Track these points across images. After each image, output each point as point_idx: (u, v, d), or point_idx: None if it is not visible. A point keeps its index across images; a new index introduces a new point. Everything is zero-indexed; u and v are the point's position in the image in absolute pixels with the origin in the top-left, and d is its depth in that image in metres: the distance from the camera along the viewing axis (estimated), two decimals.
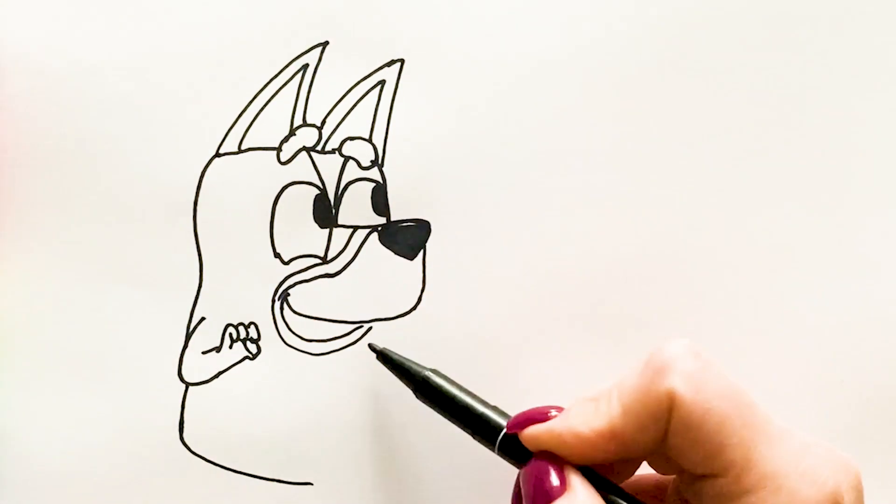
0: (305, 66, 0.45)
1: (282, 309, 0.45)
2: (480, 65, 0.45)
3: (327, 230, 0.45)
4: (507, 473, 0.41)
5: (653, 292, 0.45)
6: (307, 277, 0.45)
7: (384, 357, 0.42)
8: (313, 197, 0.45)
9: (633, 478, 0.39)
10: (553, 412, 0.37)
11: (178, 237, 0.45)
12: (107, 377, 0.44)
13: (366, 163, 0.45)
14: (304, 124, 0.45)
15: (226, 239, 0.45)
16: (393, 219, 0.45)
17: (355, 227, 0.45)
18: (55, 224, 0.44)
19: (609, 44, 0.45)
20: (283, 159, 0.45)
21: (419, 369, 0.41)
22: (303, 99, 0.45)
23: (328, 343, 0.45)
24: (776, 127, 0.45)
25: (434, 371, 0.41)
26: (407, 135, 0.45)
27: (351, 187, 0.45)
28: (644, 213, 0.45)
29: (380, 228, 0.45)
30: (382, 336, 0.45)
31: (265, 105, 0.45)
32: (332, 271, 0.45)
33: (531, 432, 0.37)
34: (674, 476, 0.38)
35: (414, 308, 0.45)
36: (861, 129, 0.45)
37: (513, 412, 0.40)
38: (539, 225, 0.45)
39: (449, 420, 0.40)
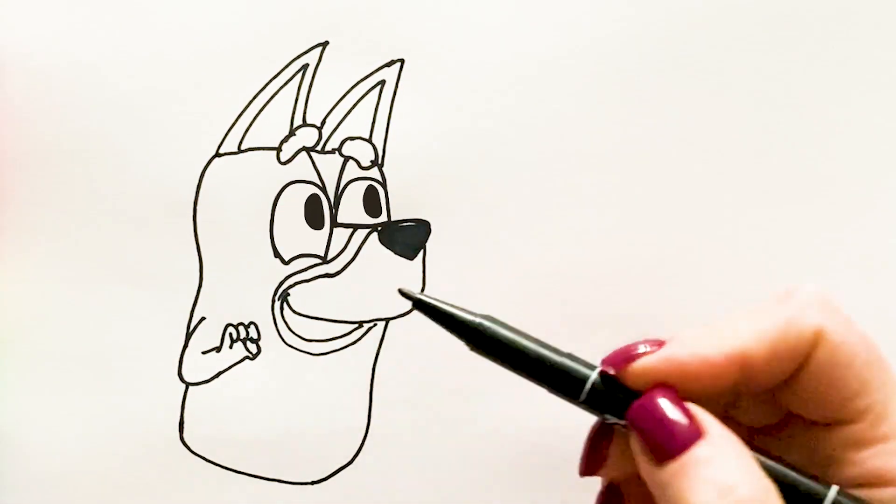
0: (305, 66, 0.45)
1: (282, 309, 0.45)
2: (480, 65, 0.45)
3: (327, 230, 0.45)
4: (507, 473, 0.41)
5: (653, 292, 0.45)
6: (307, 277, 0.45)
7: (423, 305, 0.33)
8: (305, 198, 0.45)
9: None
10: (644, 346, 0.32)
11: (178, 237, 0.45)
12: (107, 377, 0.44)
13: (366, 163, 0.45)
14: (304, 124, 0.45)
15: (226, 239, 0.45)
16: (393, 219, 0.45)
17: (355, 227, 0.45)
18: (55, 224, 0.44)
19: (609, 44, 0.45)
20: (283, 159, 0.45)
21: (470, 317, 0.33)
22: (303, 99, 0.45)
23: (328, 343, 0.45)
24: (775, 128, 0.45)
25: (486, 317, 0.33)
26: (407, 135, 0.45)
27: (350, 187, 0.45)
28: (644, 213, 0.45)
29: (380, 228, 0.45)
30: (382, 336, 0.45)
31: (265, 105, 0.45)
32: (332, 271, 0.45)
33: (645, 364, 0.31)
34: (769, 430, 0.35)
35: (414, 308, 0.45)
36: (861, 130, 0.45)
37: (514, 416, 0.40)
38: (539, 225, 0.45)
39: (515, 372, 0.33)
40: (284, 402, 0.45)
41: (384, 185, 0.45)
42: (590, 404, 0.32)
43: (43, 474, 0.44)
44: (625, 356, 0.32)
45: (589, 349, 0.45)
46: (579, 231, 0.45)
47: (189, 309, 0.45)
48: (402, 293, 0.34)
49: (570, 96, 0.45)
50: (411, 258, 0.45)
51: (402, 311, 0.45)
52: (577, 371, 0.32)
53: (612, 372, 0.32)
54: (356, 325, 0.45)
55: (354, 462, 0.44)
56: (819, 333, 0.31)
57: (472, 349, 0.33)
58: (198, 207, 0.45)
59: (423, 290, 0.45)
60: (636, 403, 0.31)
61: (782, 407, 0.33)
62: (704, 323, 0.32)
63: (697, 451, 0.29)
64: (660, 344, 0.32)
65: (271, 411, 0.44)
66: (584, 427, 0.33)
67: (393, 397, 0.45)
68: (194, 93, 0.45)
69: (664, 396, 0.31)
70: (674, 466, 0.29)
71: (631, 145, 0.45)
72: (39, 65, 0.44)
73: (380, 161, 0.45)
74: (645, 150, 0.45)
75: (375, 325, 0.45)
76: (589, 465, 0.34)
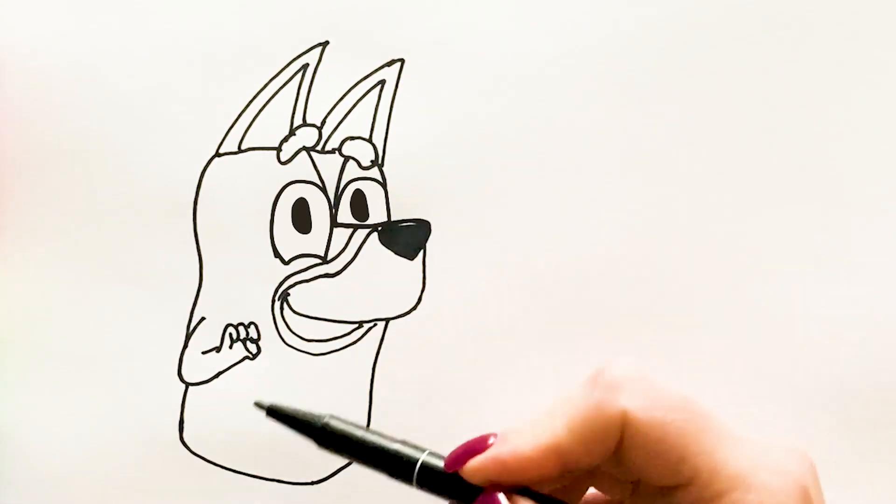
0: (305, 66, 0.45)
1: (282, 309, 0.45)
2: (480, 65, 0.45)
3: (327, 230, 0.45)
4: None
5: (653, 292, 0.45)
6: (307, 277, 0.45)
7: (275, 413, 0.37)
8: (293, 202, 0.45)
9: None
10: (491, 439, 0.35)
11: (178, 237, 0.45)
12: (107, 377, 0.44)
13: (366, 162, 0.45)
14: (304, 124, 0.45)
15: (226, 239, 0.45)
16: (393, 219, 0.45)
17: (355, 227, 0.45)
18: (55, 224, 0.44)
19: (609, 44, 0.45)
20: (283, 159, 0.45)
21: (316, 418, 0.36)
22: (303, 99, 0.45)
23: (328, 343, 0.45)
24: (776, 128, 0.45)
25: (332, 416, 0.35)
26: (407, 135, 0.45)
27: (350, 187, 0.45)
28: (644, 213, 0.45)
29: (380, 228, 0.45)
30: (382, 336, 0.45)
31: (265, 105, 0.45)
32: (332, 271, 0.45)
33: (475, 465, 0.34)
34: (623, 499, 0.38)
35: (414, 308, 0.45)
36: (862, 130, 0.45)
37: (514, 415, 0.39)
38: (539, 225, 0.45)
39: (361, 465, 0.35)
40: (284, 402, 0.44)
41: (384, 185, 0.45)
42: (423, 486, 0.35)
43: (43, 474, 0.44)
44: (460, 455, 0.35)
45: (589, 349, 0.45)
46: (579, 231, 0.45)
47: (189, 309, 0.45)
48: (258, 405, 0.37)
49: (569, 96, 0.45)
50: (411, 258, 0.45)
51: (402, 311, 0.45)
52: (409, 457, 0.35)
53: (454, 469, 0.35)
54: (356, 325, 0.45)
55: (354, 462, 0.44)
56: (624, 416, 0.33)
57: (318, 447, 0.36)
58: (198, 207, 0.45)
59: (423, 290, 0.45)
60: (479, 500, 0.34)
61: (628, 479, 0.36)
62: (529, 417, 0.35)
63: None
64: (494, 436, 0.35)
65: None
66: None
67: (393, 397, 0.45)
68: (194, 93, 0.45)
69: (492, 496, 0.34)
70: None
71: (631, 145, 0.45)
72: (39, 65, 0.44)
73: (380, 161, 0.45)
74: (645, 150, 0.45)
75: (375, 325, 0.45)
76: None
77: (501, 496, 0.34)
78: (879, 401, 0.45)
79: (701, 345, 0.45)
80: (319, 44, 0.45)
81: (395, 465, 0.35)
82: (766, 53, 0.45)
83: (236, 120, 0.45)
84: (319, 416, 0.36)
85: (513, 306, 0.45)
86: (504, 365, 0.45)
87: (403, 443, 0.35)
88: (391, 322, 0.45)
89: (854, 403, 0.45)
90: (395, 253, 0.45)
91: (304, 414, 0.36)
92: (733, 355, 0.45)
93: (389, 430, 0.45)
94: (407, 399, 0.44)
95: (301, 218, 0.45)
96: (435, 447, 0.45)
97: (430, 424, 0.44)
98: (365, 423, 0.45)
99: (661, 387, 0.34)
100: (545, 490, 0.35)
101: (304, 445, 0.44)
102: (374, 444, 0.35)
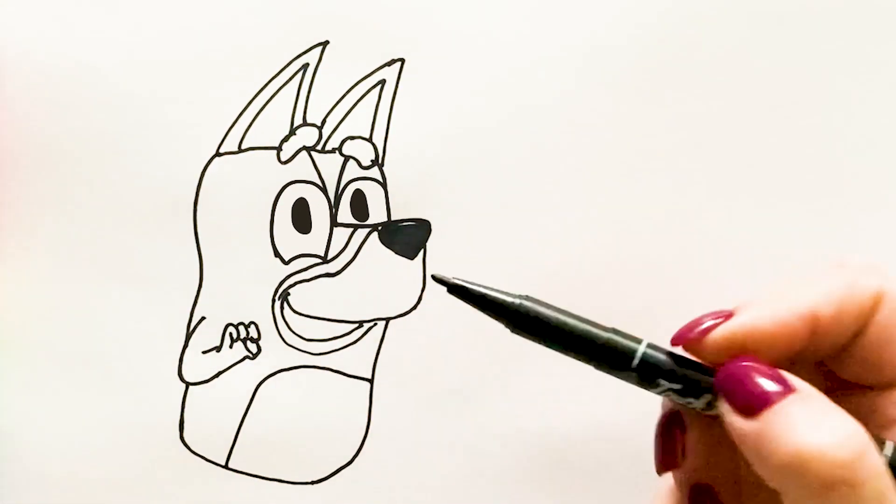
0: (305, 66, 0.45)
1: (282, 308, 0.45)
2: (480, 65, 0.45)
3: (327, 230, 0.45)
4: (507, 473, 0.41)
5: (653, 291, 0.45)
6: (307, 277, 0.45)
7: (458, 289, 0.33)
8: (293, 202, 0.45)
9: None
10: (718, 319, 0.32)
11: (178, 237, 0.45)
12: (107, 377, 0.44)
13: (366, 162, 0.45)
14: (305, 124, 0.45)
15: (226, 239, 0.45)
16: (393, 219, 0.45)
17: (355, 227, 0.45)
18: (55, 224, 0.44)
19: (610, 44, 0.45)
20: (283, 159, 0.45)
21: (509, 298, 0.32)
22: (303, 98, 0.45)
23: (328, 343, 0.45)
24: (777, 128, 0.45)
25: (526, 297, 0.32)
26: (407, 134, 0.45)
27: (350, 186, 0.45)
28: (644, 212, 0.45)
29: (380, 228, 0.45)
30: (382, 336, 0.45)
31: (265, 105, 0.45)
32: (332, 271, 0.45)
33: (723, 333, 0.31)
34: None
35: (414, 308, 0.45)
36: (862, 130, 0.45)
37: (514, 415, 0.39)
38: (539, 225, 0.45)
39: (560, 351, 0.32)
40: (284, 402, 0.45)
41: (384, 185, 0.45)
42: (643, 378, 0.31)
43: (43, 474, 0.44)
44: (698, 329, 0.32)
45: None
46: (580, 230, 0.45)
47: (189, 309, 0.45)
48: (436, 279, 0.33)
49: (570, 96, 0.45)
50: (411, 258, 0.45)
51: (403, 311, 0.45)
52: (624, 345, 0.32)
53: (680, 348, 0.32)
54: (356, 325, 0.45)
55: (354, 462, 0.44)
56: (879, 295, 0.32)
57: (513, 331, 0.32)
58: (198, 207, 0.45)
59: (423, 290, 0.45)
60: (723, 371, 0.31)
61: (830, 377, 0.34)
62: (761, 293, 0.32)
63: (792, 399, 0.29)
64: (727, 316, 0.32)
65: (271, 411, 0.44)
66: (585, 427, 0.34)
67: (393, 397, 0.45)
68: (194, 93, 0.45)
69: (752, 361, 0.31)
70: (771, 412, 0.29)
71: (632, 145, 0.45)
72: (39, 65, 0.44)
73: (380, 161, 0.45)
74: (645, 149, 0.45)
75: (375, 325, 0.45)
76: (666, 459, 0.33)
77: (757, 364, 0.30)
78: None
79: None
80: (319, 44, 0.45)
81: (607, 353, 0.31)
82: (769, 53, 0.45)
83: (236, 120, 0.45)
84: (513, 297, 0.32)
85: None
86: (504, 365, 0.45)
87: (615, 331, 0.32)
88: (391, 322, 0.45)
89: None
90: (395, 253, 0.45)
91: (495, 293, 0.32)
92: None
93: (390, 429, 0.45)
94: (407, 399, 0.44)
95: (301, 218, 0.45)
96: (435, 447, 0.45)
97: (431, 424, 0.44)
98: (365, 423, 0.45)
99: None
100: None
101: (304, 445, 0.44)
102: (581, 330, 0.32)
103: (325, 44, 0.45)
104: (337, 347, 0.45)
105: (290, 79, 0.45)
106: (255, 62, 0.45)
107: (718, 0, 0.45)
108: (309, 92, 0.45)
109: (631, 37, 0.45)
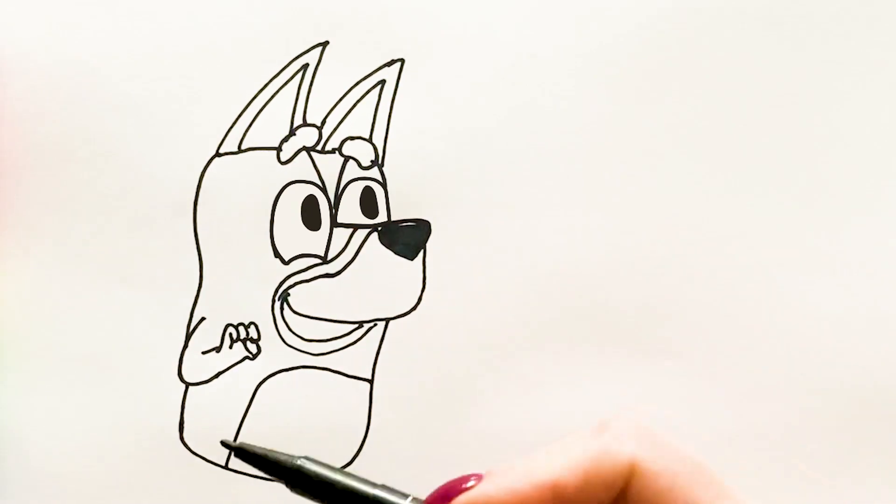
0: (305, 66, 0.45)
1: (282, 309, 0.45)
2: (480, 64, 0.45)
3: (327, 230, 0.45)
4: None
5: (653, 292, 0.45)
6: (307, 277, 0.45)
7: (243, 453, 0.34)
8: (302, 199, 0.45)
9: None
10: (473, 480, 0.33)
11: (178, 237, 0.45)
12: (107, 377, 0.44)
13: (366, 162, 0.45)
14: (304, 124, 0.45)
15: (226, 239, 0.45)
16: (393, 219, 0.45)
17: (355, 227, 0.45)
18: (55, 224, 0.44)
19: (610, 44, 0.45)
20: (283, 159, 0.45)
21: (289, 459, 0.33)
22: (303, 99, 0.45)
23: (328, 343, 0.45)
24: (777, 128, 0.45)
25: (307, 458, 0.33)
26: (407, 135, 0.45)
27: (351, 187, 0.45)
28: (644, 212, 0.45)
29: (380, 228, 0.45)
30: (382, 336, 0.45)
31: (265, 105, 0.45)
32: (332, 271, 0.45)
33: (463, 500, 0.33)
34: None
35: (414, 308, 0.45)
36: (862, 130, 0.45)
37: (514, 416, 0.39)
38: (539, 225, 0.45)
39: None
40: (284, 403, 0.45)
41: (384, 185, 0.45)
42: None
43: (43, 474, 0.44)
44: (443, 494, 0.33)
45: (590, 348, 0.45)
46: (580, 230, 0.45)
47: (189, 309, 0.45)
48: (224, 444, 0.34)
49: (570, 96, 0.45)
50: (411, 258, 0.45)
51: (403, 311, 0.45)
52: (389, 501, 0.33)
53: None
54: (356, 325, 0.45)
55: (354, 462, 0.44)
56: (633, 464, 0.32)
57: (292, 490, 0.33)
58: (198, 207, 0.45)
59: (423, 290, 0.45)
60: None
61: None
62: (521, 456, 0.33)
63: None
64: (479, 478, 0.33)
65: (271, 411, 0.44)
66: (584, 428, 0.34)
67: (393, 397, 0.45)
68: (194, 93, 0.45)
69: None
70: None
71: (633, 145, 0.45)
72: (39, 65, 0.44)
73: (380, 161, 0.45)
74: (646, 150, 0.45)
75: (375, 325, 0.45)
76: None
77: None
78: (881, 402, 0.45)
79: (703, 346, 0.45)
80: (319, 44, 0.45)
81: None
82: (770, 54, 0.45)
83: (236, 120, 0.45)
84: (292, 457, 0.33)
85: (513, 306, 0.45)
86: (504, 365, 0.45)
87: (384, 487, 0.33)
88: (391, 322, 0.45)
89: (857, 403, 0.45)
90: (395, 253, 0.45)
91: (276, 455, 0.33)
92: (734, 355, 0.45)
93: (390, 429, 0.45)
94: (407, 399, 0.44)
95: (311, 215, 0.45)
96: (435, 447, 0.45)
97: (431, 425, 0.44)
98: (365, 423, 0.45)
99: (670, 443, 0.33)
100: None
101: (304, 445, 0.44)
102: (352, 488, 0.33)
103: (325, 44, 0.45)
104: (337, 348, 0.45)
105: (290, 79, 0.45)
106: (255, 62, 0.45)
107: (722, 3, 0.45)
108: (309, 92, 0.45)
109: (631, 37, 0.45)
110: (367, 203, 0.45)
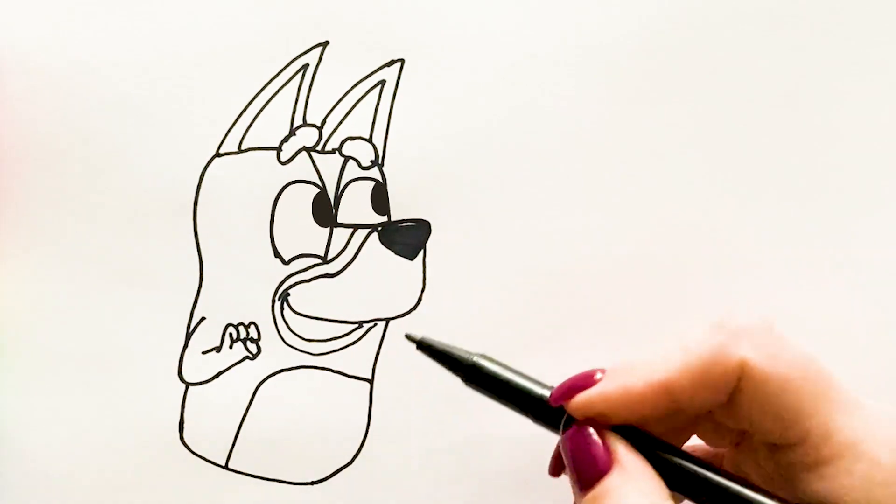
0: (305, 66, 0.45)
1: (282, 309, 0.45)
2: (480, 65, 0.45)
3: (327, 230, 0.45)
4: (507, 473, 0.41)
5: (653, 292, 0.45)
6: (307, 277, 0.45)
7: (425, 346, 0.38)
8: (313, 196, 0.45)
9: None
10: (598, 374, 0.34)
11: (178, 237, 0.45)
12: (107, 377, 0.44)
13: (366, 162, 0.45)
14: (305, 124, 0.45)
15: (226, 239, 0.45)
16: (393, 219, 0.45)
17: (355, 227, 0.45)
18: (55, 224, 0.44)
19: (610, 44, 0.45)
20: (283, 159, 0.45)
21: (466, 356, 0.37)
22: (303, 99, 0.45)
23: (328, 343, 0.45)
24: (777, 129, 0.45)
25: (482, 356, 0.37)
26: (407, 135, 0.45)
27: (351, 187, 0.45)
28: (644, 212, 0.45)
29: (380, 228, 0.45)
30: (382, 336, 0.45)
31: (265, 105, 0.45)
32: (332, 271, 0.45)
33: (582, 401, 0.34)
34: (732, 446, 0.37)
35: (414, 308, 0.45)
36: (862, 131, 0.45)
37: (514, 416, 0.39)
38: (539, 225, 0.45)
39: (506, 406, 0.36)
40: (284, 402, 0.45)
41: (384, 185, 0.45)
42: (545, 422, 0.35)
43: (43, 474, 0.44)
44: (566, 391, 0.35)
45: (589, 348, 0.45)
46: (579, 231, 0.45)
47: (189, 309, 0.45)
48: (409, 337, 0.37)
49: (570, 96, 0.45)
50: (411, 258, 0.45)
51: (402, 311, 0.45)
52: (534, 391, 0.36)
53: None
54: (356, 325, 0.45)
55: (354, 462, 0.44)
56: (743, 365, 0.33)
57: (468, 385, 0.36)
58: (198, 207, 0.45)
59: (423, 290, 0.45)
60: (563, 437, 0.34)
61: (738, 428, 0.35)
62: (642, 355, 0.35)
63: (608, 482, 0.32)
64: (604, 373, 0.34)
65: (271, 411, 0.44)
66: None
67: (393, 397, 0.45)
68: (194, 93, 0.45)
69: (582, 431, 0.34)
70: (589, 496, 0.33)
71: (632, 145, 0.45)
72: (39, 65, 0.44)
73: (380, 161, 0.45)
74: (646, 149, 0.45)
75: (375, 325, 0.45)
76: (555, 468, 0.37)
77: (592, 431, 0.33)
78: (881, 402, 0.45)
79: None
80: (319, 44, 0.45)
81: (540, 410, 0.35)
82: (770, 54, 0.45)
83: (236, 120, 0.45)
84: (470, 354, 0.37)
85: (513, 306, 0.45)
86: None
87: (552, 388, 0.36)
88: (391, 322, 0.45)
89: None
90: (395, 253, 0.45)
91: (456, 351, 0.37)
92: None
93: (390, 429, 0.45)
94: (407, 399, 0.44)
95: (322, 212, 0.45)
96: (435, 447, 0.45)
97: (431, 425, 0.44)
98: (365, 423, 0.45)
99: (784, 342, 0.33)
100: (653, 430, 0.34)
101: (304, 445, 0.44)
102: (520, 387, 0.36)
103: (325, 44, 0.45)
104: (337, 348, 0.45)
105: (290, 79, 0.45)
106: (255, 62, 0.45)
107: (722, 3, 0.45)
108: (309, 92, 0.45)
109: (631, 37, 0.45)
110: (378, 200, 0.45)
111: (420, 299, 0.45)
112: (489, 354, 0.37)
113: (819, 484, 0.32)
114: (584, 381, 0.34)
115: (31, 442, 0.44)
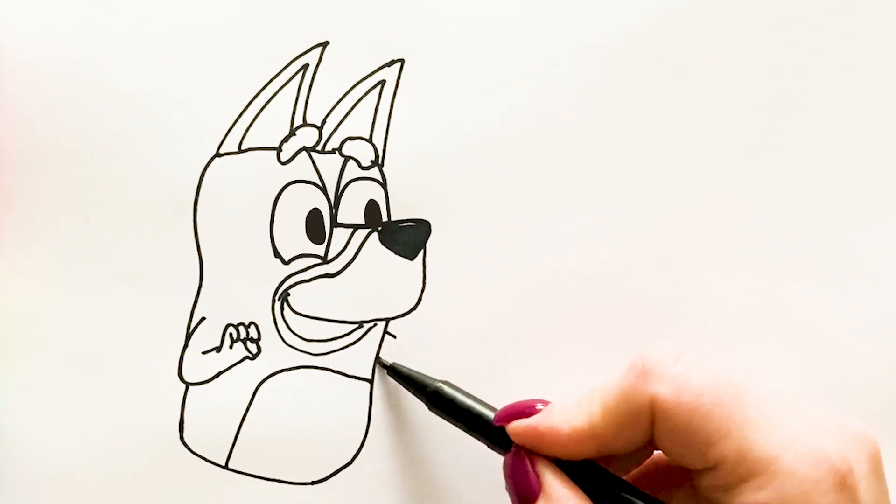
0: (305, 66, 0.45)
1: (282, 309, 0.45)
2: (481, 65, 0.45)
3: (327, 230, 0.45)
4: (499, 475, 0.41)
5: (652, 293, 0.45)
6: (307, 277, 0.45)
7: (394, 371, 0.43)
8: (308, 211, 0.45)
9: (651, 460, 0.39)
10: (539, 405, 0.37)
11: (178, 237, 0.45)
12: (107, 377, 0.44)
13: (366, 163, 0.45)
14: (305, 124, 0.45)
15: (226, 239, 0.45)
16: (393, 219, 0.45)
17: (355, 227, 0.45)
18: (55, 224, 0.44)
19: (610, 44, 0.45)
20: (283, 159, 0.45)
21: (430, 381, 0.41)
22: (303, 99, 0.45)
23: (328, 343, 0.45)
24: (776, 130, 0.45)
25: (445, 382, 0.41)
26: (407, 135, 0.45)
27: (351, 187, 0.45)
28: (644, 213, 0.45)
29: (380, 228, 0.45)
30: (382, 336, 0.45)
31: (265, 105, 0.45)
32: (332, 271, 0.45)
33: (514, 427, 0.37)
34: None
35: (414, 308, 0.45)
36: (862, 131, 0.45)
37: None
38: (539, 225, 0.45)
39: (464, 431, 0.40)
40: (284, 402, 0.45)
41: (384, 185, 0.45)
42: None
43: (43, 474, 0.44)
44: (507, 414, 0.38)
45: (588, 349, 0.45)
46: (579, 231, 0.45)
47: (189, 309, 0.45)
48: (380, 363, 0.44)
49: (570, 96, 0.45)
50: (411, 258, 0.45)
51: (402, 311, 0.45)
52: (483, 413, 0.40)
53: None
54: (356, 325, 0.45)
55: (354, 462, 0.44)
56: (652, 403, 0.34)
57: (430, 409, 0.41)
58: (198, 207, 0.45)
59: (423, 290, 0.45)
60: (504, 460, 0.38)
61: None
62: (580, 391, 0.37)
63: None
64: (545, 405, 0.37)
65: (271, 411, 0.44)
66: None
67: (393, 397, 0.45)
68: (194, 93, 0.45)
69: (519, 456, 0.37)
70: None
71: (631, 146, 0.45)
72: (39, 65, 0.44)
73: (380, 161, 0.45)
74: (646, 151, 0.45)
75: (375, 325, 0.45)
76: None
77: (525, 458, 0.36)
78: (883, 403, 0.45)
79: (703, 346, 0.45)
80: (319, 44, 0.45)
81: (494, 436, 0.39)
82: (770, 54, 0.45)
83: (236, 120, 0.45)
84: (433, 381, 0.41)
85: (513, 306, 0.45)
86: (504, 365, 0.45)
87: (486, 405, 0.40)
88: (391, 322, 0.45)
89: (860, 403, 0.45)
90: (395, 253, 0.45)
91: (421, 377, 0.42)
92: (734, 356, 0.45)
93: (390, 429, 0.45)
94: (407, 399, 0.44)
95: (315, 228, 0.45)
96: (435, 447, 0.45)
97: (430, 425, 0.44)
98: (365, 423, 0.45)
99: (692, 372, 0.34)
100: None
101: (304, 445, 0.44)
102: (477, 413, 0.40)
103: (325, 44, 0.45)
104: (337, 348, 0.45)
105: (290, 79, 0.45)
106: (255, 62, 0.45)
107: (723, 3, 0.45)
108: (309, 92, 0.45)
109: (632, 37, 0.45)
110: (371, 213, 0.45)
111: (420, 299, 0.45)
112: (453, 382, 0.41)
113: (738, 500, 0.33)
114: (525, 409, 0.37)
115: (31, 442, 0.44)
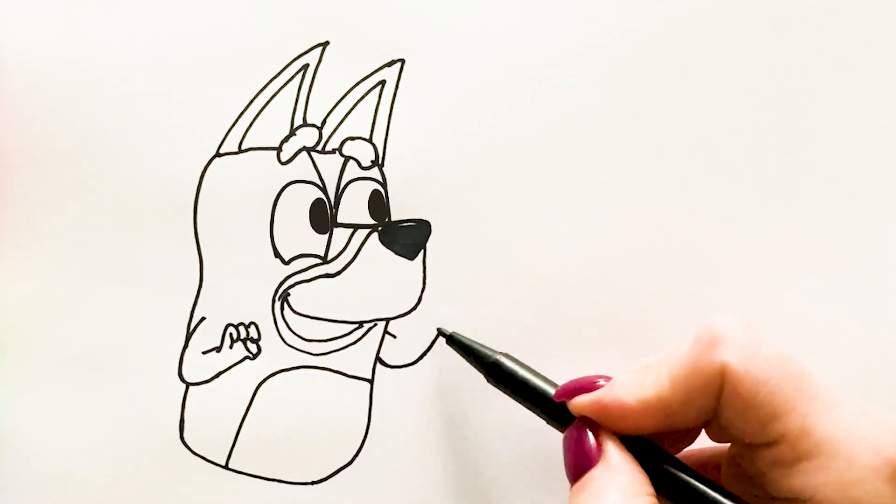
0: (305, 66, 0.45)
1: (282, 309, 0.45)
2: (481, 65, 0.45)
3: (327, 230, 0.45)
4: (507, 473, 0.41)
5: (653, 293, 0.45)
6: (307, 277, 0.45)
7: (453, 340, 0.42)
8: (311, 202, 0.45)
9: (691, 447, 0.39)
10: (601, 381, 0.37)
11: (178, 237, 0.45)
12: (107, 377, 0.44)
13: (366, 163, 0.45)
14: (305, 124, 0.45)
15: (226, 239, 0.45)
16: (393, 219, 0.45)
17: (355, 227, 0.45)
18: (55, 224, 0.44)
19: (610, 44, 0.45)
20: (283, 159, 0.45)
21: (490, 353, 0.41)
22: (303, 99, 0.45)
23: (328, 343, 0.45)
24: (776, 130, 0.45)
25: (505, 354, 0.41)
26: (407, 135, 0.45)
27: (351, 187, 0.45)
28: (645, 213, 0.45)
29: (380, 228, 0.45)
30: (382, 336, 0.45)
31: (265, 105, 0.45)
32: (332, 271, 0.45)
33: (578, 402, 0.37)
34: (730, 444, 0.38)
35: (414, 308, 0.45)
36: (862, 131, 0.45)
37: (514, 415, 0.40)
38: (539, 225, 0.45)
39: (522, 404, 0.39)
40: (284, 402, 0.45)
41: (384, 185, 0.45)
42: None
43: (43, 474, 0.44)
44: (569, 390, 0.37)
45: (588, 349, 0.45)
46: (579, 231, 0.45)
47: (189, 309, 0.45)
48: (440, 332, 0.43)
49: (570, 96, 0.45)
50: (411, 258, 0.45)
51: (402, 311, 0.45)
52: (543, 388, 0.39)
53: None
54: (356, 325, 0.45)
55: (354, 462, 0.44)
56: (722, 371, 0.34)
57: (489, 381, 0.41)
58: (198, 207, 0.45)
59: (423, 290, 0.45)
60: (566, 432, 0.37)
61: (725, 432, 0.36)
62: (641, 363, 0.37)
63: (591, 474, 0.35)
64: (607, 380, 0.37)
65: (271, 411, 0.45)
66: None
67: (393, 397, 0.45)
68: (194, 93, 0.45)
69: (577, 429, 0.36)
70: (576, 486, 0.35)
71: (631, 146, 0.45)
72: (39, 65, 0.44)
73: (380, 161, 0.45)
74: (647, 150, 0.45)
75: (375, 325, 0.45)
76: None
77: (587, 429, 0.36)
78: (883, 403, 0.45)
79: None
80: (319, 44, 0.45)
81: (552, 410, 0.38)
82: (770, 55, 0.45)
83: (236, 120, 0.45)
84: (493, 352, 0.41)
85: (513, 306, 0.45)
86: None
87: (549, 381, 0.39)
88: (391, 322, 0.45)
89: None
90: (395, 253, 0.45)
91: (480, 348, 0.41)
92: None
93: (390, 429, 0.45)
94: (407, 399, 0.44)
95: (319, 218, 0.45)
96: (435, 447, 0.45)
97: (430, 425, 0.44)
98: (365, 423, 0.45)
99: (762, 342, 0.34)
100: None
101: (304, 445, 0.44)
102: (535, 386, 0.39)
103: (325, 44, 0.45)
104: (337, 348, 0.45)
105: (291, 79, 0.45)
106: (255, 62, 0.45)
107: (723, 3, 0.45)
108: (309, 92, 0.45)
109: (632, 37, 0.45)
110: (375, 206, 0.45)
111: (420, 299, 0.45)
112: (511, 354, 0.40)
113: (794, 480, 0.33)
114: (587, 385, 0.37)
115: (31, 442, 0.44)
